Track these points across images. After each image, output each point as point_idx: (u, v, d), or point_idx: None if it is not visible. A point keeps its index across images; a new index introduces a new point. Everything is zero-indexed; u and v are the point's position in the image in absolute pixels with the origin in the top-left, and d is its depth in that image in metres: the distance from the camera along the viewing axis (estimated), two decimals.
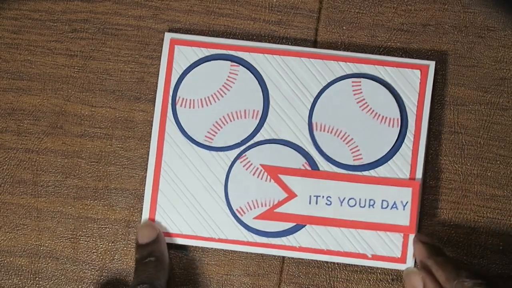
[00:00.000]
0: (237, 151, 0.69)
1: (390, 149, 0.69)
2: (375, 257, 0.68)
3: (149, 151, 0.70)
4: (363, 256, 0.68)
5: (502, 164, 0.70)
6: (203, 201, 0.69)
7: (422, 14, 0.71)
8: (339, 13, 0.72)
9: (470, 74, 0.71)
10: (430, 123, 0.70)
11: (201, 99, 0.70)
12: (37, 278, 0.70)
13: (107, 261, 0.70)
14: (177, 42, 0.71)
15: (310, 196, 0.68)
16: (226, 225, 0.69)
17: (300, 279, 0.70)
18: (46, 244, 0.70)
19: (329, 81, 0.70)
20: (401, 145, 0.69)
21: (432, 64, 0.69)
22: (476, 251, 0.69)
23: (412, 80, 0.69)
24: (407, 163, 0.69)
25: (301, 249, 0.69)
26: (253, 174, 0.69)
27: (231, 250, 0.69)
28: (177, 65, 0.70)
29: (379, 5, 0.72)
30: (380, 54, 0.71)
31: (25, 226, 0.70)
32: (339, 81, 0.70)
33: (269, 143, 0.69)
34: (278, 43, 0.71)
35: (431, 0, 0.71)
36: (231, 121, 0.70)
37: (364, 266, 0.69)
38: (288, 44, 0.71)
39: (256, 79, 0.70)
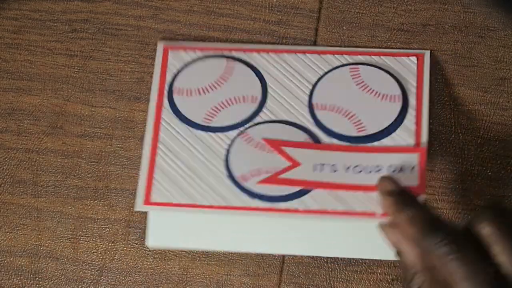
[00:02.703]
0: (236, 131, 0.69)
1: (394, 121, 0.68)
2: (384, 215, 0.65)
3: (144, 136, 0.69)
4: (372, 215, 0.65)
5: (502, 164, 0.70)
6: (202, 174, 0.68)
7: (422, 14, 0.71)
8: (339, 13, 0.72)
9: (470, 74, 0.71)
10: (430, 123, 0.70)
11: (198, 89, 0.70)
12: (37, 278, 0.70)
13: (107, 261, 0.70)
14: (170, 48, 0.71)
15: (314, 164, 0.67)
16: (228, 192, 0.67)
17: (300, 279, 0.70)
18: (46, 244, 0.70)
19: (326, 71, 0.70)
20: (404, 117, 0.68)
21: (427, 52, 0.70)
22: None
23: (409, 66, 0.69)
24: (411, 133, 0.68)
25: (306, 211, 0.66)
26: (255, 147, 0.68)
27: (231, 252, 0.69)
28: (172, 65, 0.70)
29: (379, 5, 0.72)
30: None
31: (25, 226, 0.70)
32: (336, 69, 0.70)
33: (270, 122, 0.69)
34: (278, 43, 0.71)
35: (431, 0, 0.71)
36: (229, 105, 0.69)
37: (364, 265, 0.69)
38: (288, 44, 0.71)
39: (253, 71, 0.70)
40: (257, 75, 0.70)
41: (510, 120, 0.70)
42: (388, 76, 0.69)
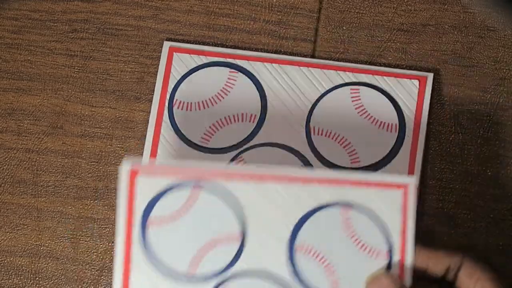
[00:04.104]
0: (233, 153, 0.69)
1: (387, 154, 0.69)
2: None
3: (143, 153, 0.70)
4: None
5: (502, 164, 0.70)
6: None
7: (422, 14, 0.71)
8: (339, 13, 0.72)
9: (470, 74, 0.71)
10: (429, 123, 0.70)
11: (198, 102, 0.70)
12: (37, 278, 0.70)
13: (107, 261, 0.70)
14: (176, 50, 0.71)
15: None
16: None
17: None
18: (46, 244, 0.70)
19: (327, 89, 0.69)
20: (398, 151, 0.69)
21: (430, 75, 0.70)
22: (476, 251, 0.69)
23: (410, 89, 0.69)
24: (404, 169, 0.68)
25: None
26: None
27: None
28: (175, 71, 0.71)
29: (379, 5, 0.72)
30: (380, 53, 0.71)
31: (25, 226, 0.70)
32: (337, 88, 0.69)
33: (265, 145, 0.69)
34: (278, 43, 0.71)
35: (431, 0, 0.72)
36: (228, 124, 0.69)
37: None
38: (288, 44, 0.71)
39: (255, 85, 0.70)
40: (258, 89, 0.70)
41: (510, 120, 0.70)
42: (387, 101, 0.69)
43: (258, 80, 0.70)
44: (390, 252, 0.62)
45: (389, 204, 0.62)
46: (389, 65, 0.71)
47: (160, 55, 0.71)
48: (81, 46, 0.72)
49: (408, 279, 0.62)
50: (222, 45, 0.72)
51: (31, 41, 0.72)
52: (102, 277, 0.70)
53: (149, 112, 0.71)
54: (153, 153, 0.70)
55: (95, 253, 0.70)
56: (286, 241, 0.62)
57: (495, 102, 0.70)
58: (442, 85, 0.70)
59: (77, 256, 0.70)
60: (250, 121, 0.69)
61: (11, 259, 0.70)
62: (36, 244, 0.70)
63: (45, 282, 0.70)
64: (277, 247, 0.62)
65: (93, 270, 0.70)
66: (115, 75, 0.72)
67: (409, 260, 0.62)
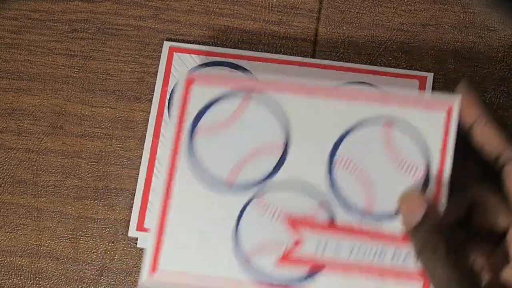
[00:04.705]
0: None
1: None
2: None
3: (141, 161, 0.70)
4: None
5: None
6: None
7: (422, 14, 0.71)
8: (339, 13, 0.72)
9: (470, 74, 0.71)
10: None
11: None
12: (37, 278, 0.70)
13: (107, 261, 0.70)
14: (176, 50, 0.71)
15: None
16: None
17: None
18: (46, 244, 0.70)
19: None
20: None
21: (430, 75, 0.69)
22: None
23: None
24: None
25: None
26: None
27: None
28: (175, 71, 0.70)
29: (379, 5, 0.72)
30: (380, 53, 0.71)
31: (25, 226, 0.70)
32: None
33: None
34: (278, 43, 0.71)
35: (431, 0, 0.72)
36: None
37: None
38: (288, 44, 0.71)
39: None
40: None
41: (510, 120, 0.70)
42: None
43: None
44: (427, 171, 0.63)
45: (432, 124, 0.64)
46: (389, 65, 0.71)
47: (160, 55, 0.71)
48: (81, 46, 0.72)
49: (443, 200, 0.62)
50: (222, 45, 0.72)
51: (31, 41, 0.72)
52: (102, 277, 0.70)
53: (149, 112, 0.71)
54: (153, 153, 0.70)
55: (95, 253, 0.70)
56: (327, 154, 0.64)
57: (495, 102, 0.70)
58: (442, 86, 0.70)
59: (77, 256, 0.70)
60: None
61: (11, 259, 0.70)
62: (36, 244, 0.70)
63: (45, 282, 0.70)
64: (318, 159, 0.64)
65: (93, 270, 0.70)
66: (115, 75, 0.72)
67: (445, 180, 0.63)
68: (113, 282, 0.70)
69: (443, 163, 0.63)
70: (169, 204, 0.63)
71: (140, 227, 0.69)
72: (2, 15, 0.73)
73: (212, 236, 0.63)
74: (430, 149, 0.64)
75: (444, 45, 0.71)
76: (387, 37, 0.71)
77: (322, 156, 0.64)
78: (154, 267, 0.63)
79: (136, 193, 0.70)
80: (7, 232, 0.71)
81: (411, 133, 0.64)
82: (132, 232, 0.69)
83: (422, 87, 0.70)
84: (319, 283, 0.63)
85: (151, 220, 0.66)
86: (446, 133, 0.64)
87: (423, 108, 0.64)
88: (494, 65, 0.71)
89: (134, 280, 0.70)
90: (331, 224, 0.64)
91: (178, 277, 0.63)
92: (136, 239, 0.70)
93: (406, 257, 0.63)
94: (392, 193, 0.63)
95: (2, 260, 0.70)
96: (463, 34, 0.71)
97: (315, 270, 0.63)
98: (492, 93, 0.70)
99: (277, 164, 0.64)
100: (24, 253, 0.70)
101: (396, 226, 0.63)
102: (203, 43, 0.72)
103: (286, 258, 0.63)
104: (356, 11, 0.72)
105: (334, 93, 0.65)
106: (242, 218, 0.64)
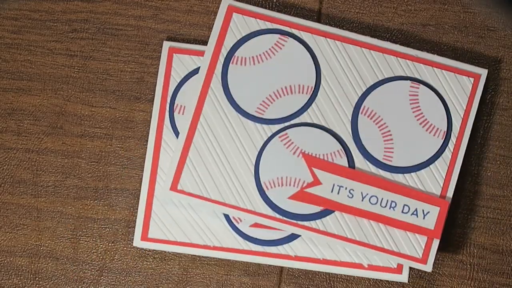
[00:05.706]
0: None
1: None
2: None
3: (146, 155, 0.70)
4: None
5: (502, 164, 0.70)
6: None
7: (422, 14, 0.71)
8: (339, 13, 0.72)
9: None
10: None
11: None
12: (37, 278, 0.70)
13: (107, 261, 0.70)
14: (175, 50, 0.71)
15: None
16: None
17: (300, 279, 0.70)
18: (46, 244, 0.70)
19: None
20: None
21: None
22: (476, 251, 0.70)
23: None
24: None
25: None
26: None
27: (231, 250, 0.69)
28: (175, 71, 0.70)
29: (379, 5, 0.72)
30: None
31: (25, 226, 0.70)
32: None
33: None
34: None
35: (431, 0, 0.72)
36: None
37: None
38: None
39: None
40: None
41: (510, 120, 0.70)
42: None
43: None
44: (448, 134, 0.67)
45: (458, 89, 0.67)
46: None
47: (160, 55, 0.71)
48: (81, 46, 0.72)
49: (458, 165, 0.66)
50: None
51: (31, 41, 0.72)
52: (102, 277, 0.70)
53: (149, 112, 0.71)
54: (155, 157, 0.69)
55: (95, 253, 0.70)
56: (354, 102, 0.67)
57: (495, 102, 0.70)
58: None
59: (77, 256, 0.70)
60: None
61: (11, 259, 0.70)
62: (36, 244, 0.70)
63: (45, 282, 0.70)
64: (344, 106, 0.67)
65: (93, 270, 0.70)
66: (115, 75, 0.72)
67: (464, 145, 0.67)
68: (113, 282, 0.70)
69: (464, 128, 0.67)
70: (196, 127, 0.67)
71: (144, 237, 0.69)
72: (2, 15, 0.73)
73: (234, 162, 0.67)
74: (454, 112, 0.67)
75: (444, 45, 0.71)
76: (387, 37, 0.71)
77: (348, 104, 0.68)
78: (174, 185, 0.67)
79: (139, 202, 0.70)
80: (7, 232, 0.71)
81: (437, 95, 0.67)
82: (137, 242, 0.69)
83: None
84: (327, 224, 0.66)
85: (160, 191, 0.68)
86: (471, 100, 0.67)
87: (453, 72, 0.67)
88: (494, 65, 0.71)
89: (134, 280, 0.70)
90: (348, 170, 0.67)
91: (196, 197, 0.67)
92: None
93: (416, 211, 0.66)
94: (410, 149, 0.67)
95: (2, 260, 0.70)
96: (463, 34, 0.71)
97: (326, 210, 0.67)
98: (492, 93, 0.70)
99: (304, 105, 0.67)
100: (24, 253, 0.70)
101: (410, 180, 0.66)
102: (203, 43, 0.72)
103: (300, 195, 0.67)
104: (356, 11, 0.72)
105: (369, 46, 0.68)
106: (264, 149, 0.67)
